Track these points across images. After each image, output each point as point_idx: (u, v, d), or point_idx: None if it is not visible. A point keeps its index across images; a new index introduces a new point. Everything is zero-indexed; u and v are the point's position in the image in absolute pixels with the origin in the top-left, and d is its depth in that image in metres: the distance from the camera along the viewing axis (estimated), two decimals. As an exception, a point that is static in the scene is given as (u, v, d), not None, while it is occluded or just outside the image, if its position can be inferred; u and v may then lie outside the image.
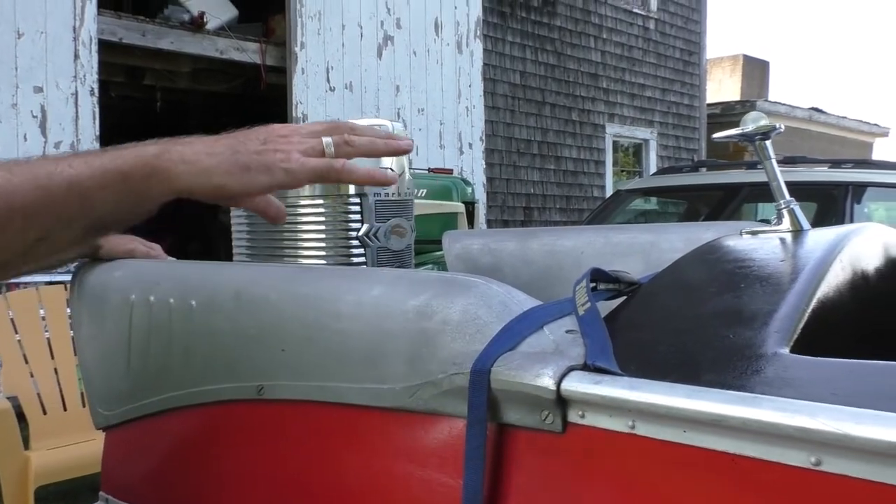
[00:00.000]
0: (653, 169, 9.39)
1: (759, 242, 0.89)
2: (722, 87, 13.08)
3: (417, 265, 1.29)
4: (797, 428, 0.42)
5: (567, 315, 0.64)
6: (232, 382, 0.82)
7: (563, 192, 8.53)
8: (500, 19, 7.70)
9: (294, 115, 5.46)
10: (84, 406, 2.56)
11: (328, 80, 5.65)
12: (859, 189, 3.87)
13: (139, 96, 6.23)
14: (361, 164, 0.76)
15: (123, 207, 0.55)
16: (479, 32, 6.78)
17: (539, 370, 0.55)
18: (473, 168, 6.70)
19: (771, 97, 13.24)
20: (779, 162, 0.99)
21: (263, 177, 0.58)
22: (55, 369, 2.60)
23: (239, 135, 0.59)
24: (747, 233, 0.99)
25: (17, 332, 2.59)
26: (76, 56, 4.39)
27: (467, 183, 5.03)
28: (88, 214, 0.53)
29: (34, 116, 4.31)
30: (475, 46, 6.73)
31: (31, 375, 2.56)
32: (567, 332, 0.62)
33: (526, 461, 0.57)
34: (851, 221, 3.65)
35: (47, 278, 3.21)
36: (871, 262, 0.85)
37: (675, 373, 0.52)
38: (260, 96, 5.81)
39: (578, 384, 0.53)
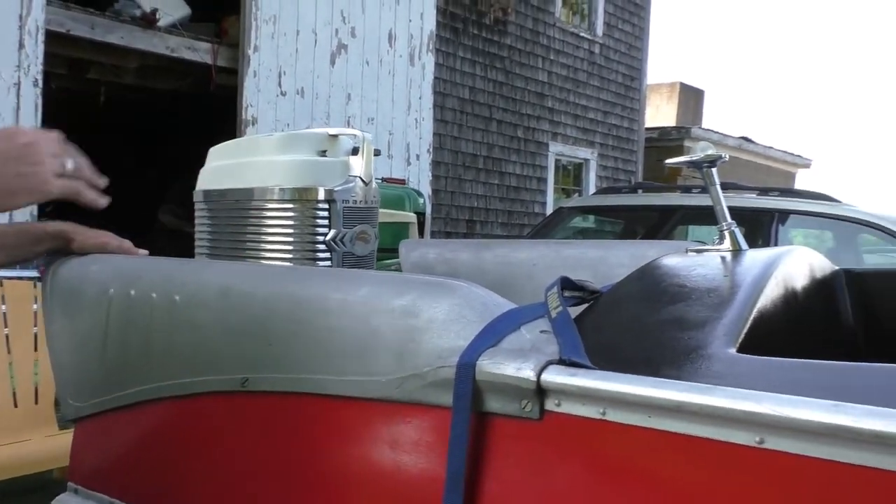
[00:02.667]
0: (592, 188, 9.66)
1: (704, 259, 0.99)
2: (659, 112, 13.57)
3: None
4: (745, 412, 0.50)
5: (540, 317, 0.72)
6: (215, 375, 0.85)
7: (506, 207, 8.69)
8: (453, 35, 7.83)
9: (244, 117, 5.42)
10: (37, 403, 2.50)
11: (280, 85, 5.63)
12: (783, 216, 4.13)
13: (81, 89, 6.06)
14: None
15: None
16: (431, 46, 6.88)
17: (521, 364, 0.62)
18: (420, 179, 6.78)
19: (704, 124, 13.81)
20: (712, 187, 1.10)
21: (26, 198, 0.78)
22: (10, 364, 2.53)
23: None
24: (692, 251, 1.09)
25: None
26: (21, 45, 4.26)
27: (419, 194, 5.11)
28: None
29: (-28, 105, 4.16)
30: (427, 60, 6.83)
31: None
32: (541, 332, 0.69)
33: (505, 446, 0.63)
34: (776, 245, 3.88)
35: (13, 273, 3.10)
36: (800, 278, 0.96)
37: (639, 369, 0.60)
38: (208, 96, 5.74)
39: (556, 376, 0.60)
